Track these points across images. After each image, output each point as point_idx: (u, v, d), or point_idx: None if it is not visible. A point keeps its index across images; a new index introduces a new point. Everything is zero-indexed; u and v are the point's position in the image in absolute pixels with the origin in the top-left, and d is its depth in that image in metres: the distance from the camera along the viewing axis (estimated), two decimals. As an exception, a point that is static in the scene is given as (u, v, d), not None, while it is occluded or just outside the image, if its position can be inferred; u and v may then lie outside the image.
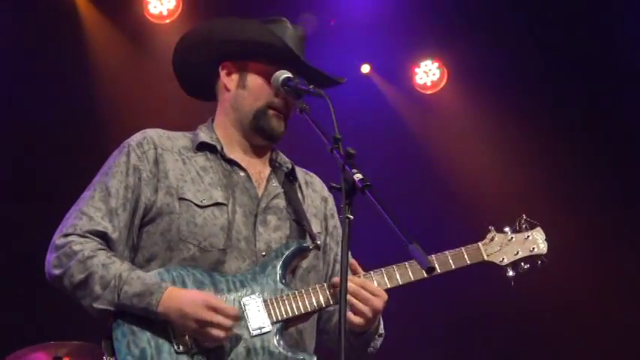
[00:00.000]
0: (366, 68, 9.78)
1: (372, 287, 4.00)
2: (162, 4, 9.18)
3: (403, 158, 9.43)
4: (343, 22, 9.08)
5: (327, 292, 4.01)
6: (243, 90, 4.25)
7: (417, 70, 9.90)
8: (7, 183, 8.66)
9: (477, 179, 9.45)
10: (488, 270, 4.25)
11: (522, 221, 4.34)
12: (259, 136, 4.24)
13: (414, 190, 9.03)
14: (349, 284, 3.84)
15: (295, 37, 4.27)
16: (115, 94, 9.02)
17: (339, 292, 3.46)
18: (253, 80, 4.24)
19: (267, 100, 4.20)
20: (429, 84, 9.92)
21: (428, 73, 9.89)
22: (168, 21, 9.23)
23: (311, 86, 4.05)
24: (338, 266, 4.21)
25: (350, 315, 3.92)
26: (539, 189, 8.99)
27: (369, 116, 9.20)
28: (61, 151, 8.59)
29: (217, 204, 4.06)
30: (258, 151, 4.30)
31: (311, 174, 4.49)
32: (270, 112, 4.20)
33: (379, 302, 3.99)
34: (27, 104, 8.76)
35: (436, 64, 9.86)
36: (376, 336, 4.20)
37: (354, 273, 4.05)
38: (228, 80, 4.29)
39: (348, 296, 3.86)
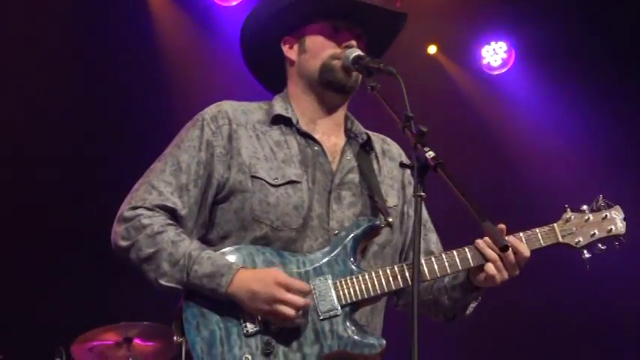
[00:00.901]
0: (432, 49, 9.66)
1: (523, 255, 3.89)
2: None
3: (470, 139, 9.30)
4: (409, 2, 8.95)
5: (399, 272, 3.87)
6: (305, 54, 4.12)
7: (484, 50, 9.74)
8: (79, 161, 8.68)
9: (547, 160, 9.23)
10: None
11: (599, 201, 4.14)
12: (330, 90, 4.09)
13: (482, 171, 8.87)
14: (489, 252, 3.85)
15: None
16: (181, 72, 8.99)
17: (413, 270, 3.39)
18: (311, 41, 4.11)
19: (329, 54, 4.05)
20: (496, 64, 9.75)
21: (495, 53, 9.73)
22: (234, 3, 9.22)
23: (381, 64, 3.90)
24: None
25: (492, 271, 3.84)
26: (612, 169, 8.75)
27: (435, 97, 9.07)
28: (130, 127, 8.59)
29: (291, 182, 3.94)
30: (332, 116, 4.15)
31: (389, 141, 4.33)
32: (334, 62, 4.03)
33: (517, 271, 3.91)
34: (97, 82, 8.82)
35: (504, 45, 9.69)
36: (479, 298, 4.10)
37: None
38: (291, 52, 4.17)
39: (495, 255, 3.83)
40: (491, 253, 3.85)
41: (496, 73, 9.80)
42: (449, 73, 9.70)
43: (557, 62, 9.32)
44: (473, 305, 4.12)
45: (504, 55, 9.72)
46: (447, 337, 8.70)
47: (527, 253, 3.90)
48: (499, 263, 3.85)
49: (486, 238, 3.87)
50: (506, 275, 3.87)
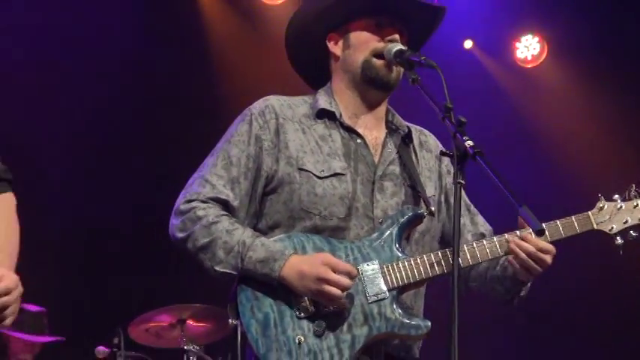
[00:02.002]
0: (468, 44, 9.65)
1: (545, 247, 3.91)
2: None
3: (504, 130, 9.24)
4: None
5: (442, 258, 3.90)
6: (349, 49, 4.11)
7: (517, 44, 9.71)
8: (139, 151, 8.75)
9: (580, 151, 9.16)
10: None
11: (632, 190, 4.14)
12: (372, 87, 4.09)
13: (517, 162, 8.82)
14: (525, 246, 3.87)
15: None
16: (231, 68, 9.04)
17: (453, 256, 3.45)
18: (355, 37, 4.11)
19: (370, 50, 4.05)
20: (529, 58, 9.70)
21: (528, 47, 9.68)
22: (279, 2, 9.23)
23: (422, 58, 3.90)
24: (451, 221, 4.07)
25: (524, 273, 3.90)
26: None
27: (471, 89, 9.02)
28: (180, 124, 8.63)
29: (336, 174, 3.96)
30: (374, 111, 4.16)
31: (426, 133, 4.33)
32: (375, 60, 4.04)
33: (549, 259, 3.92)
34: (155, 76, 8.92)
35: (536, 39, 9.65)
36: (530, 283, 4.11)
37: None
38: (336, 48, 4.16)
39: (525, 256, 3.86)
40: (520, 253, 3.88)
41: (529, 66, 9.73)
42: (484, 66, 9.65)
43: (589, 54, 9.22)
44: (525, 291, 4.11)
45: (537, 48, 9.65)
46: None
47: (545, 245, 3.91)
48: (528, 262, 3.87)
49: (515, 239, 3.91)
50: (538, 270, 3.90)
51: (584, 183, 8.35)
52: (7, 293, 3.06)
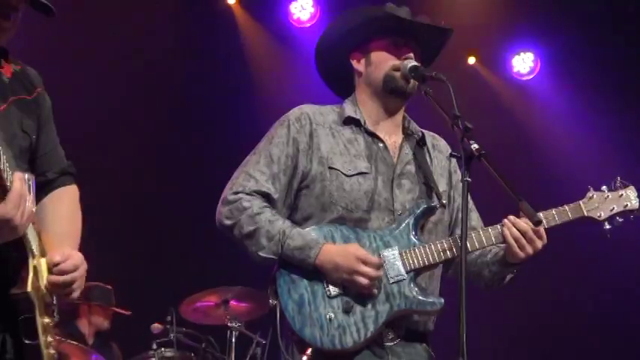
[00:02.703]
0: (472, 60, 9.64)
1: (540, 231, 3.89)
2: (302, 10, 9.22)
3: (504, 134, 9.20)
4: (452, 21, 8.92)
5: (452, 244, 3.91)
6: (371, 66, 4.12)
7: (514, 59, 9.70)
8: (192, 150, 8.79)
9: (570, 152, 9.12)
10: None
11: (617, 182, 4.14)
12: (392, 96, 4.10)
13: (516, 161, 8.77)
14: (521, 224, 3.84)
15: (401, 9, 4.11)
16: (263, 82, 9.05)
17: (460, 244, 3.47)
18: (376, 55, 4.11)
19: (390, 66, 4.06)
20: (524, 72, 9.70)
21: (524, 62, 9.69)
22: (308, 25, 9.23)
23: (434, 73, 3.93)
24: (460, 214, 4.04)
25: (515, 249, 3.86)
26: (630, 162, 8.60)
27: (475, 99, 9.00)
28: (224, 129, 8.65)
29: (361, 173, 3.98)
30: (392, 118, 4.16)
31: (437, 137, 4.32)
32: (395, 73, 4.05)
33: (539, 244, 3.89)
34: (200, 91, 8.92)
35: (531, 55, 9.64)
36: (515, 271, 4.08)
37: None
38: (359, 65, 4.16)
39: (518, 233, 3.84)
40: (515, 231, 3.86)
41: (525, 78, 9.72)
42: (485, 80, 9.63)
43: (578, 68, 9.21)
44: (509, 277, 4.10)
45: (532, 64, 9.65)
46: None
47: (543, 233, 3.90)
48: (522, 240, 3.86)
49: (511, 217, 3.89)
50: (529, 250, 3.86)
51: (575, 177, 8.28)
52: (74, 270, 3.10)
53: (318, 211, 3.96)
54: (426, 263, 3.87)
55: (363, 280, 3.74)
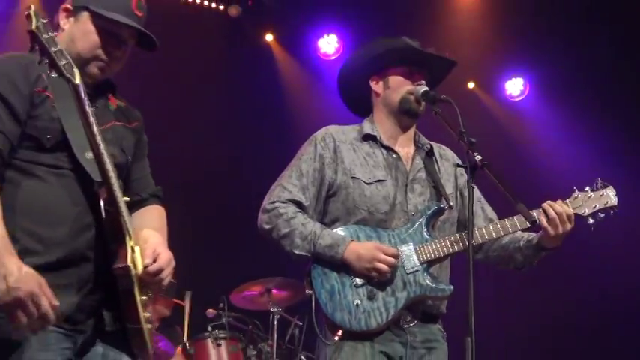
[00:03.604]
0: (471, 84, 9.55)
1: (571, 214, 3.84)
2: (329, 45, 9.26)
3: (499, 146, 9.09)
4: (454, 53, 8.88)
5: (459, 238, 3.85)
6: (388, 89, 4.08)
7: (507, 83, 9.60)
8: (237, 163, 8.81)
9: (554, 159, 8.96)
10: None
11: (598, 183, 4.08)
12: (406, 116, 4.06)
13: (508, 171, 8.64)
14: (557, 207, 3.79)
15: (414, 42, 4.09)
16: (295, 107, 9.03)
17: (468, 240, 3.41)
18: (393, 80, 4.07)
19: (406, 90, 4.02)
20: (516, 93, 9.60)
21: (515, 85, 9.58)
22: (333, 58, 9.23)
23: (443, 96, 3.89)
24: (465, 212, 4.00)
25: (550, 230, 3.79)
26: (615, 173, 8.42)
27: (475, 117, 8.92)
28: (264, 145, 8.64)
29: (379, 181, 3.94)
30: (405, 133, 4.11)
31: (444, 148, 4.27)
32: (410, 96, 4.01)
33: (569, 227, 3.82)
34: (241, 115, 8.88)
35: (520, 79, 9.55)
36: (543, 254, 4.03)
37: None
38: (377, 87, 4.12)
39: (554, 215, 3.77)
40: (552, 213, 3.79)
41: (516, 99, 9.62)
42: (483, 101, 9.56)
43: (561, 90, 9.09)
44: (537, 258, 4.04)
45: (522, 87, 9.56)
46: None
47: (570, 212, 3.85)
48: (556, 221, 3.79)
49: (548, 201, 3.85)
50: (560, 231, 3.79)
51: (561, 183, 8.19)
52: (166, 265, 3.01)
53: (344, 214, 3.92)
54: (437, 255, 3.84)
55: (383, 267, 3.71)
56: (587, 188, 4.05)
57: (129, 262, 2.82)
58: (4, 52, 3.11)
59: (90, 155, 2.85)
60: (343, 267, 3.79)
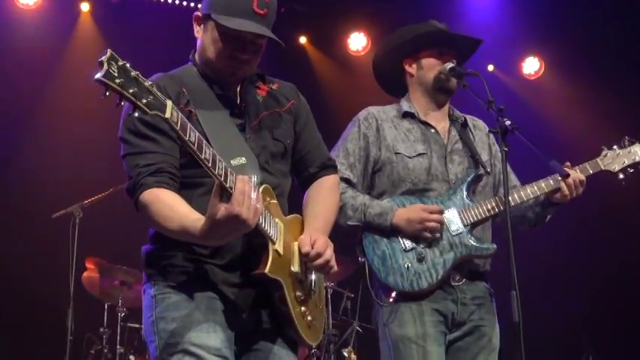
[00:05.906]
0: (491, 67, 9.38)
1: (584, 181, 3.81)
2: (358, 42, 9.19)
3: (518, 122, 8.95)
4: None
5: (497, 201, 3.78)
6: (422, 70, 4.00)
7: (523, 64, 9.41)
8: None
9: (572, 138, 8.68)
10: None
11: (625, 141, 4.00)
12: (440, 93, 3.97)
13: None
14: (574, 172, 3.79)
15: (442, 25, 4.04)
16: (331, 100, 8.95)
17: (504, 202, 3.31)
18: (425, 62, 3.99)
19: (438, 70, 3.94)
20: (532, 73, 9.41)
21: (531, 65, 9.39)
22: (362, 53, 9.15)
23: (469, 70, 3.82)
24: (501, 176, 3.92)
25: (566, 191, 3.77)
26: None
27: (495, 97, 8.78)
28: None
29: (420, 154, 3.86)
30: (441, 109, 4.02)
31: (476, 119, 4.17)
32: (442, 75, 3.93)
33: (581, 190, 3.81)
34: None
35: (536, 59, 9.36)
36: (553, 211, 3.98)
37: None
38: (411, 69, 4.04)
39: (572, 181, 3.76)
40: (569, 181, 3.76)
41: (532, 78, 9.45)
42: (502, 81, 9.41)
43: (573, 68, 8.91)
44: (549, 216, 3.98)
45: (537, 65, 9.37)
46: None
47: (582, 177, 3.81)
48: (572, 186, 3.76)
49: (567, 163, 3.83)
50: (574, 194, 3.79)
51: (579, 147, 8.01)
52: (323, 252, 2.84)
53: (389, 187, 3.85)
54: (479, 218, 3.76)
55: (433, 224, 3.64)
56: (614, 146, 3.97)
57: (267, 269, 2.68)
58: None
59: (235, 162, 2.72)
60: (392, 233, 3.71)
